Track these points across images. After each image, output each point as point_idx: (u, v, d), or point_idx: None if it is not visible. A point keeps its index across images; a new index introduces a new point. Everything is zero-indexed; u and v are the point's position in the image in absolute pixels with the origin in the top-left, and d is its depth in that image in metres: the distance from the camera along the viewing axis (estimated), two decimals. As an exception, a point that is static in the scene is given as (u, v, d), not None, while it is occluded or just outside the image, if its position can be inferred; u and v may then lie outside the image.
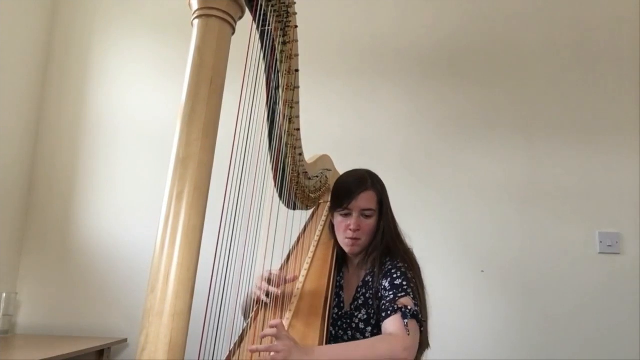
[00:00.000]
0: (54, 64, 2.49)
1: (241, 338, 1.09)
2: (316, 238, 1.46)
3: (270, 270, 1.22)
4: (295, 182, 1.29)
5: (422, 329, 1.15)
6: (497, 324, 2.09)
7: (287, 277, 1.23)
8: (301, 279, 1.28)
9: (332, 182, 1.59)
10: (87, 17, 2.53)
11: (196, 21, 0.60)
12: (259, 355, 1.01)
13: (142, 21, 2.53)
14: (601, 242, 2.11)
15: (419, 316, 1.14)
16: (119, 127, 2.42)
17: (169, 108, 2.39)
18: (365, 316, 1.27)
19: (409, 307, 1.13)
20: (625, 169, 2.18)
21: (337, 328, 1.29)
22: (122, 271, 2.25)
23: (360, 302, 1.30)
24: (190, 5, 0.60)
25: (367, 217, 1.30)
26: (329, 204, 1.62)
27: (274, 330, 0.97)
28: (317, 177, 1.46)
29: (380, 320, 1.17)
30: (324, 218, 1.53)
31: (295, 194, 1.33)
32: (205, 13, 0.59)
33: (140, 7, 2.54)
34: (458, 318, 2.08)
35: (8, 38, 2.21)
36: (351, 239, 1.30)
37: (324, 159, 1.52)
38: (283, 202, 1.28)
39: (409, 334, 1.09)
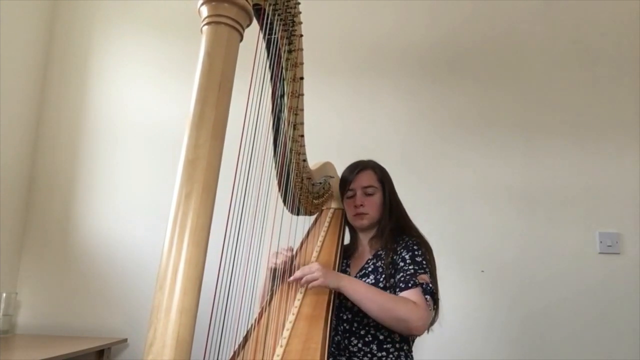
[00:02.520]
0: (54, 64, 2.49)
1: (245, 339, 1.10)
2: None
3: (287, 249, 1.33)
4: (299, 187, 1.31)
5: (436, 306, 1.23)
6: (497, 324, 2.10)
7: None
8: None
9: (334, 189, 1.61)
10: (87, 17, 2.53)
11: (206, 28, 0.61)
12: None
13: (142, 21, 2.53)
14: (601, 242, 2.12)
15: (435, 295, 1.22)
16: (119, 127, 2.42)
17: (169, 107, 2.39)
18: (373, 281, 1.31)
19: (430, 285, 1.21)
20: (625, 169, 2.19)
21: (341, 297, 1.33)
22: (122, 271, 2.25)
23: (369, 270, 1.35)
24: (199, 12, 0.61)
25: (369, 194, 1.40)
26: (332, 209, 1.65)
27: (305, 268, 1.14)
28: (321, 183, 1.48)
29: (398, 290, 1.22)
30: (326, 224, 1.55)
31: (299, 199, 1.35)
32: (215, 20, 0.60)
33: (140, 7, 2.54)
34: (458, 318, 2.08)
35: (8, 38, 2.21)
36: (358, 214, 1.40)
37: (327, 166, 1.54)
38: (287, 208, 1.29)
39: (430, 309, 1.18)
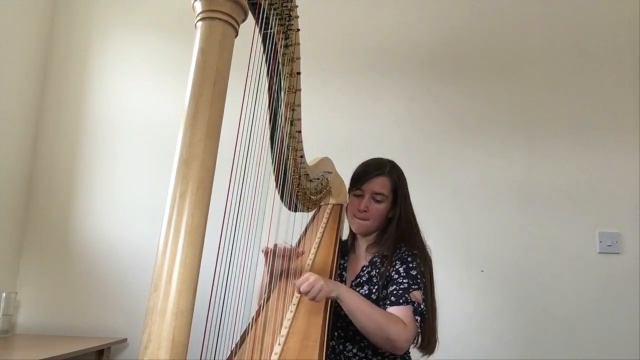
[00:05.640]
0: (54, 64, 2.49)
1: (242, 339, 1.09)
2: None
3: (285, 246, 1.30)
4: (296, 184, 1.30)
5: (422, 325, 1.19)
6: (497, 324, 2.10)
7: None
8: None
9: (333, 185, 1.60)
10: (87, 17, 2.53)
11: (200, 24, 0.60)
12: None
13: (142, 21, 2.53)
14: (601, 242, 2.12)
15: (425, 315, 1.18)
16: (119, 127, 2.42)
17: (168, 107, 2.39)
18: (367, 292, 1.29)
19: (421, 305, 1.18)
20: (625, 169, 2.18)
21: (335, 304, 1.31)
22: (122, 271, 2.25)
23: (364, 279, 1.33)
24: (194, 8, 0.61)
25: (378, 201, 1.34)
26: (330, 205, 1.64)
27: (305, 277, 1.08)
28: (319, 179, 1.46)
29: (389, 304, 1.19)
30: (325, 220, 1.54)
31: (297, 195, 1.33)
32: (209, 16, 0.60)
33: (140, 7, 2.54)
34: (458, 318, 2.08)
35: (8, 38, 2.21)
36: (359, 219, 1.36)
37: (325, 161, 1.52)
38: (285, 204, 1.28)
39: (418, 331, 1.16)
